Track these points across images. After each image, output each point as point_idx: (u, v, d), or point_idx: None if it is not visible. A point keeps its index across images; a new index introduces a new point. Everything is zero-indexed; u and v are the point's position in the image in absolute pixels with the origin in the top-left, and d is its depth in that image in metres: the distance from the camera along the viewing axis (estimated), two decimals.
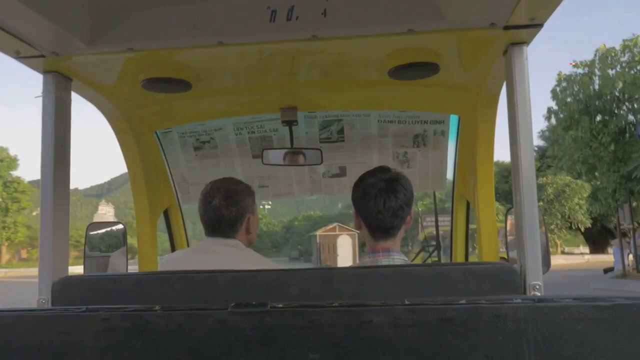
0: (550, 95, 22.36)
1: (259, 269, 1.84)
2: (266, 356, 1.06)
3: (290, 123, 2.56)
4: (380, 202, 1.93)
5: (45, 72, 1.73)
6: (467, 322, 1.07)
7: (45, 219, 1.67)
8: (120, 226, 2.97)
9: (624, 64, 20.94)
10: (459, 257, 3.00)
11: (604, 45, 21.15)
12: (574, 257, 38.14)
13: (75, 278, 1.74)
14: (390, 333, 1.06)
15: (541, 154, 43.04)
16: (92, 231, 2.90)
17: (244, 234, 2.21)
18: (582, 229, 39.63)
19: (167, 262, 2.25)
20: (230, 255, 2.09)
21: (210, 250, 2.14)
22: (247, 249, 2.20)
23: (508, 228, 2.50)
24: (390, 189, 1.94)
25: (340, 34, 1.60)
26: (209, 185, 2.26)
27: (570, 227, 40.20)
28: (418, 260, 3.57)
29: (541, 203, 34.28)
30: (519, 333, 1.05)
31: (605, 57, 21.12)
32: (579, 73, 21.80)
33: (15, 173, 44.47)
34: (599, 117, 21.57)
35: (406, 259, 2.00)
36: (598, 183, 23.67)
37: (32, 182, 47.94)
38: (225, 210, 2.16)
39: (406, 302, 1.08)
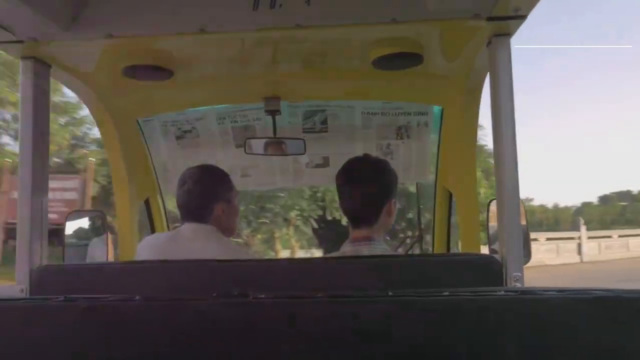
0: None
1: (240, 259, 1.83)
2: (247, 347, 1.05)
3: (273, 113, 2.55)
4: (352, 189, 1.95)
5: (23, 58, 1.69)
6: (450, 313, 1.07)
7: (23, 206, 1.64)
8: (100, 214, 2.94)
9: None
10: (441, 248, 3.02)
11: None
12: None
13: (54, 267, 1.71)
14: (373, 324, 1.06)
15: None
16: (71, 219, 2.87)
17: (218, 221, 2.18)
18: None
19: (144, 247, 2.23)
20: (200, 242, 2.08)
21: (186, 237, 2.13)
22: (222, 236, 2.17)
23: (490, 219, 2.51)
24: (364, 176, 1.95)
25: (323, 23, 1.58)
26: (185, 170, 2.25)
27: None
28: (400, 251, 3.60)
29: None
30: (502, 325, 1.06)
31: None
32: None
33: None
34: None
35: (388, 248, 2.00)
36: None
37: None
38: (196, 195, 2.15)
39: (389, 294, 1.08)
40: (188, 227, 2.15)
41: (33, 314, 1.13)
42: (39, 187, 1.68)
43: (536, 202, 61.72)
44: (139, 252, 2.21)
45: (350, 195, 1.97)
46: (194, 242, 2.07)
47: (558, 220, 56.09)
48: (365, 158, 2.05)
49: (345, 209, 2.00)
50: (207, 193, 2.17)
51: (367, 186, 1.94)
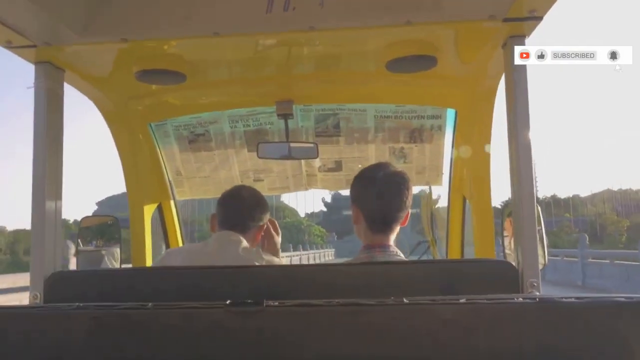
0: None
1: (254, 265, 1.82)
2: (261, 355, 1.04)
3: (285, 116, 2.53)
4: (384, 194, 1.91)
5: (37, 63, 1.69)
6: (467, 321, 1.05)
7: (37, 212, 1.64)
8: (113, 219, 2.93)
9: None
10: (455, 253, 2.98)
11: None
12: None
13: (68, 273, 1.71)
14: (388, 332, 1.04)
15: None
16: (85, 225, 2.87)
17: (254, 236, 2.24)
18: None
19: (177, 253, 2.23)
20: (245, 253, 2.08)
21: (220, 247, 2.11)
22: (253, 248, 2.19)
23: (504, 225, 2.48)
24: (394, 182, 1.92)
25: (337, 26, 1.57)
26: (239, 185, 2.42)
27: None
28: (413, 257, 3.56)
29: None
30: (520, 332, 1.03)
31: None
32: None
33: None
34: None
35: (402, 255, 1.97)
36: None
37: None
38: (251, 208, 2.24)
39: (405, 301, 1.06)
40: (225, 235, 2.14)
41: (46, 322, 1.12)
42: (53, 194, 1.68)
43: None
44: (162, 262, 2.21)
45: (373, 201, 1.93)
46: (228, 250, 2.06)
47: None
48: (388, 166, 2.01)
49: (365, 215, 1.96)
50: (260, 208, 2.28)
51: (392, 194, 1.91)
